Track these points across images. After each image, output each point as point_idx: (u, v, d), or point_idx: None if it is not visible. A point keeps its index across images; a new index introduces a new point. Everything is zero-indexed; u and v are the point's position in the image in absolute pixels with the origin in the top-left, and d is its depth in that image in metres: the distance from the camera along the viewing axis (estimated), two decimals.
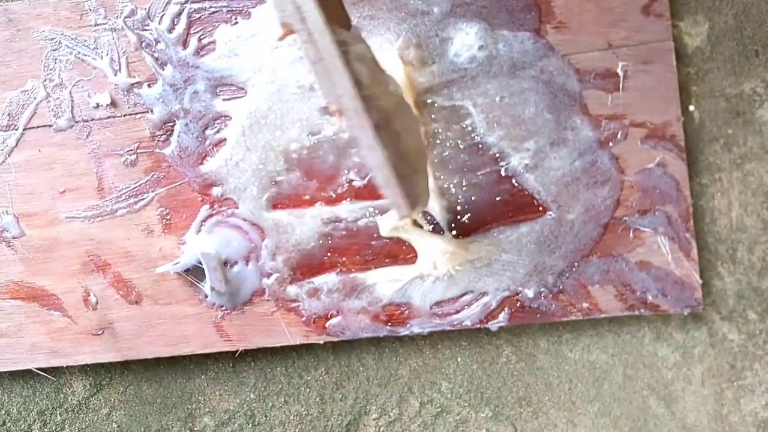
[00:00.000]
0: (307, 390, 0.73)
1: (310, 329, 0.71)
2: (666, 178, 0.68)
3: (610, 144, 0.68)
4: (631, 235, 0.69)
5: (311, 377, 0.73)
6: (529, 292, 0.69)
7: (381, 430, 0.73)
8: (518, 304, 0.69)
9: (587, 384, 0.72)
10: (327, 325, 0.71)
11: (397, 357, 0.73)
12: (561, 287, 0.69)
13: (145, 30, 0.70)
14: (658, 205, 0.68)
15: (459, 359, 0.73)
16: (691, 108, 0.70)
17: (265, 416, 0.73)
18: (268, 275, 0.71)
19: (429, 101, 0.68)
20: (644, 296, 0.69)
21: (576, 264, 0.69)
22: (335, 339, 0.71)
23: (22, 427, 0.72)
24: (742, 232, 0.70)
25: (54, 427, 0.73)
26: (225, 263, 0.70)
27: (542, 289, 0.69)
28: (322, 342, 0.71)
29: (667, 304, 0.69)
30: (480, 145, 0.68)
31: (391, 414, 0.73)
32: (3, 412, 0.72)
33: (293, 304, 0.71)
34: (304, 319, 0.71)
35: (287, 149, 0.69)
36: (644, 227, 0.68)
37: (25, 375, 0.73)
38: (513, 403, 0.72)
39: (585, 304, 0.69)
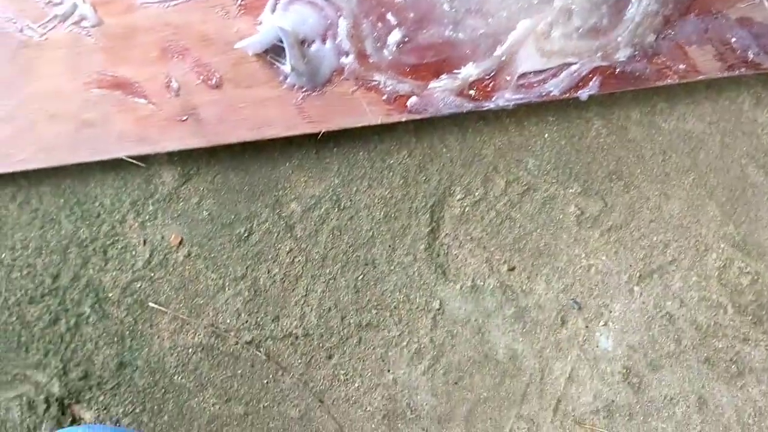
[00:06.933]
0: (391, 173, 0.73)
1: (391, 107, 0.69)
2: None
3: None
4: None
5: (394, 160, 0.73)
6: (622, 55, 0.65)
7: (466, 210, 0.72)
8: (610, 71, 0.66)
9: (682, 155, 0.69)
10: (408, 103, 0.69)
11: (481, 136, 0.71)
12: (656, 49, 0.65)
13: None
14: None
15: (546, 135, 0.70)
16: None
17: (350, 200, 0.73)
18: (346, 54, 0.69)
19: None
20: (745, 55, 0.64)
21: (673, 23, 0.64)
22: (417, 117, 0.69)
23: (117, 217, 0.75)
24: None
25: (147, 217, 0.75)
26: (302, 42, 0.69)
27: (636, 52, 0.65)
28: (404, 120, 0.70)
29: None
30: None
31: (476, 194, 0.72)
32: (97, 203, 0.75)
33: (373, 83, 0.69)
34: (384, 97, 0.69)
35: None
36: None
37: (116, 167, 0.75)
38: (603, 178, 0.70)
39: (682, 66, 0.65)
